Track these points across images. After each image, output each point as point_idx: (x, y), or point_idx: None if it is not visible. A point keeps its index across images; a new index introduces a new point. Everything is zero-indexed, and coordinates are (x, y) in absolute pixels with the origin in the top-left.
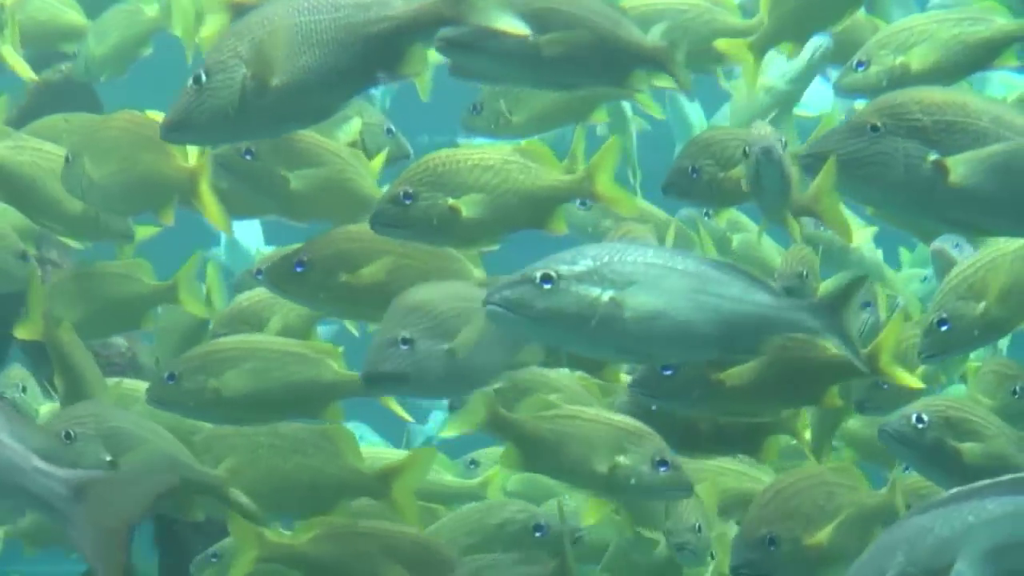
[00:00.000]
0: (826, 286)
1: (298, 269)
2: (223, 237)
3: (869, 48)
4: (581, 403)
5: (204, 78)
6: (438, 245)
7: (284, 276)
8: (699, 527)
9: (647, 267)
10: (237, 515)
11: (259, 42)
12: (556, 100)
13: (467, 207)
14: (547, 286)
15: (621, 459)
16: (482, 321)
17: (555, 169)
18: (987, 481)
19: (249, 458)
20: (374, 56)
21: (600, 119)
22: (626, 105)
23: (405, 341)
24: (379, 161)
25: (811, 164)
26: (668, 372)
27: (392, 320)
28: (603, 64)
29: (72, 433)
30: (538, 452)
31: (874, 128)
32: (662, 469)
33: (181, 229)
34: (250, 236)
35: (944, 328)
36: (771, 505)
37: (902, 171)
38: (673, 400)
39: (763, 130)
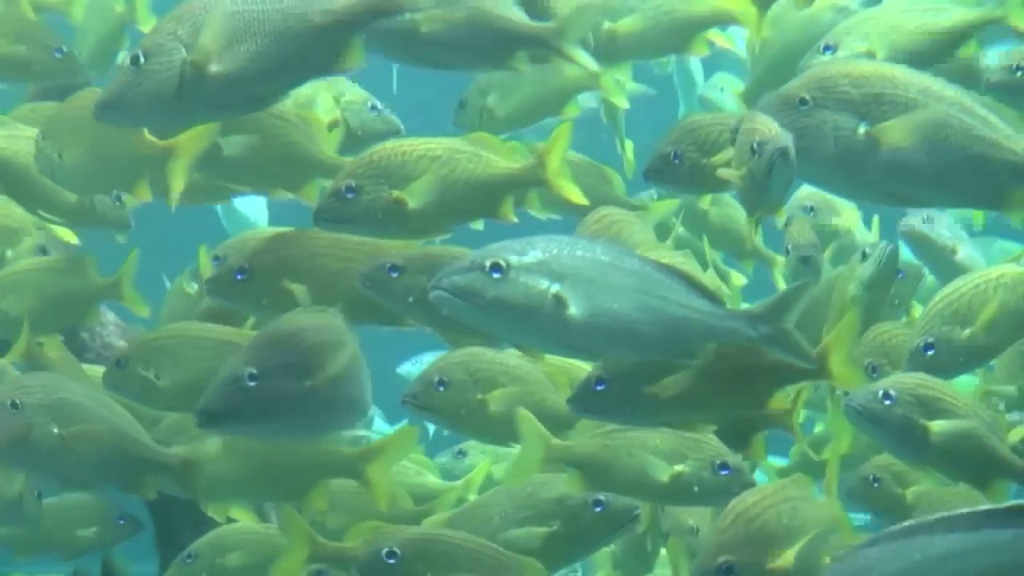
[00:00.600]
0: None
1: (239, 277)
2: (220, 205)
3: (836, 33)
4: (542, 391)
5: (142, 59)
6: (386, 237)
7: (226, 285)
8: (696, 529)
9: (595, 263)
10: (292, 512)
11: (200, 27)
12: (538, 93)
13: (412, 198)
14: (496, 275)
15: (682, 467)
16: (346, 358)
17: (506, 158)
18: (940, 515)
19: (227, 440)
20: (314, 48)
21: (572, 113)
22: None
23: (252, 377)
24: (336, 135)
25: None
26: (601, 387)
27: (245, 354)
28: (483, 44)
29: (18, 402)
30: (599, 471)
31: (803, 102)
32: (724, 472)
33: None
34: (252, 206)
35: (930, 353)
36: (730, 531)
37: (832, 144)
38: (608, 415)
39: (772, 127)
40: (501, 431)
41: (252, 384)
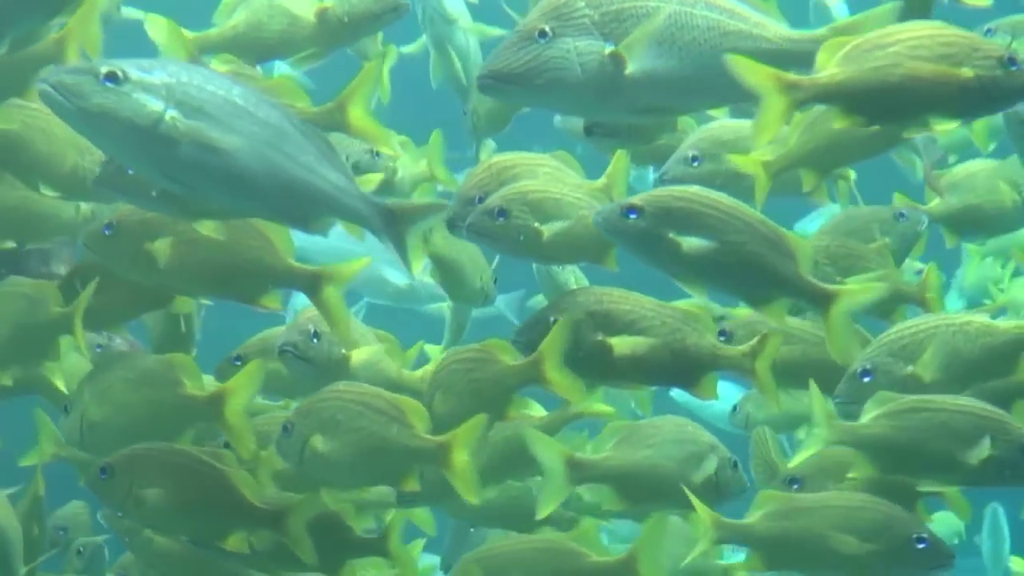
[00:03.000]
0: None
1: (106, 232)
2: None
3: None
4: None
5: None
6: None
7: (95, 239)
8: None
9: (225, 103)
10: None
11: None
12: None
13: None
14: (108, 84)
15: (990, 450)
16: None
17: (302, 101)
18: None
19: (102, 394)
20: None
21: None
22: None
23: None
24: None
25: (488, 85)
26: None
27: None
28: None
29: None
30: (893, 453)
31: (542, 34)
32: None
33: None
34: None
35: (866, 379)
36: None
37: (580, 72)
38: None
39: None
40: None
41: None
